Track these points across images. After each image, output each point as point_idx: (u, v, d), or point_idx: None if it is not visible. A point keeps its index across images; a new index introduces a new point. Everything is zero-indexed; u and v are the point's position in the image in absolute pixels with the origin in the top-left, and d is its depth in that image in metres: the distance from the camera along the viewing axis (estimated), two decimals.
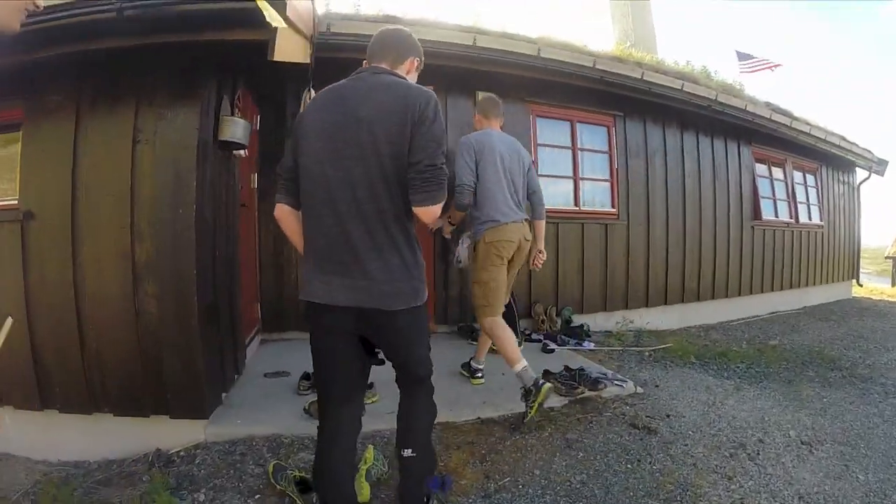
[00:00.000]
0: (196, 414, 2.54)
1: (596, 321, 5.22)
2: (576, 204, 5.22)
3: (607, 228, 5.35)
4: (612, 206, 5.42)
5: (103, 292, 2.47)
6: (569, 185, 5.26)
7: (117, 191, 2.45)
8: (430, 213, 1.47)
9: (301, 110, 2.00)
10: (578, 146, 5.29)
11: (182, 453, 2.41)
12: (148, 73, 2.50)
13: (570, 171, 5.25)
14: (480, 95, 3.90)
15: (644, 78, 5.13)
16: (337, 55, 3.69)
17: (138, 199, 2.46)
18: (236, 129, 2.84)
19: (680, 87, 5.39)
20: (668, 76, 5.44)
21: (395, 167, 1.44)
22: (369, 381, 1.97)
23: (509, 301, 3.42)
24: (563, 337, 4.58)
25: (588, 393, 3.10)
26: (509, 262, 2.95)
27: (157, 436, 2.50)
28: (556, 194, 5.15)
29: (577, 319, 5.06)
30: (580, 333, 4.71)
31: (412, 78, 1.66)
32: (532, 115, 5.07)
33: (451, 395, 2.97)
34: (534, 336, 4.62)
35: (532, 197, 3.12)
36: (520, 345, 3.17)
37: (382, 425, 2.47)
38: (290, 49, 2.66)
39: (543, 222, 3.17)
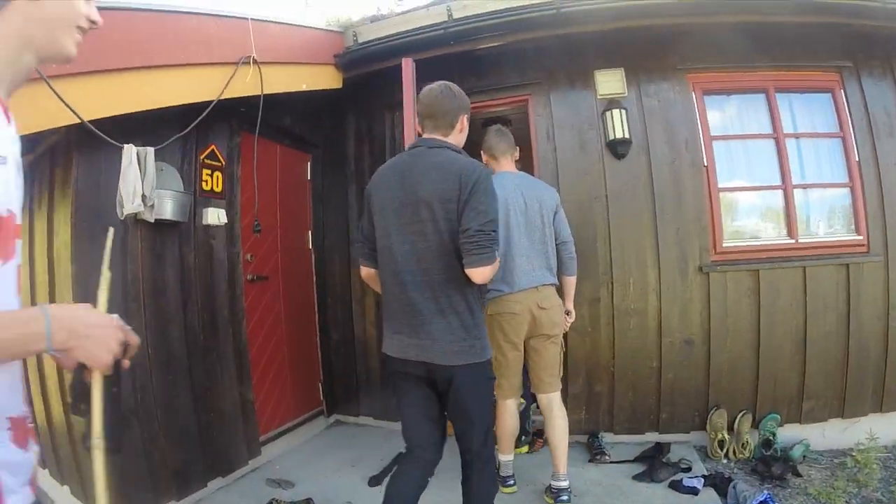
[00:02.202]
0: None
1: (825, 435, 2.96)
2: (789, 233, 3.01)
3: (849, 271, 2.97)
4: (857, 232, 3.05)
5: None
6: (772, 201, 3.09)
7: None
8: (482, 274, 1.55)
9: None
10: (784, 131, 3.08)
11: None
12: None
13: (772, 175, 3.06)
14: (489, 132, 2.55)
15: None
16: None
17: None
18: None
19: None
20: None
21: (452, 239, 1.57)
22: None
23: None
24: (758, 467, 2.54)
25: None
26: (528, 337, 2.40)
27: None
28: (749, 220, 3.04)
29: (788, 434, 2.89)
30: (787, 463, 2.60)
31: (464, 134, 1.78)
32: (695, 92, 3.04)
33: None
34: (696, 469, 2.56)
35: (561, 250, 2.47)
36: (530, 447, 3.04)
37: None
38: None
39: (573, 279, 2.53)
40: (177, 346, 2.44)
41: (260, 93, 2.64)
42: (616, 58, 3.05)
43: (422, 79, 3.33)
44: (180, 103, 2.29)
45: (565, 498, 2.31)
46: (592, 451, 2.89)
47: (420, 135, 1.77)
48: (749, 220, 3.09)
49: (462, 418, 1.68)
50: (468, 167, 1.59)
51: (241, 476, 2.77)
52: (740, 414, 2.92)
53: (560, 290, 2.48)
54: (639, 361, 2.98)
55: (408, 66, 2.67)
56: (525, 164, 2.90)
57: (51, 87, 1.71)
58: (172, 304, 2.44)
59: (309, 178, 3.69)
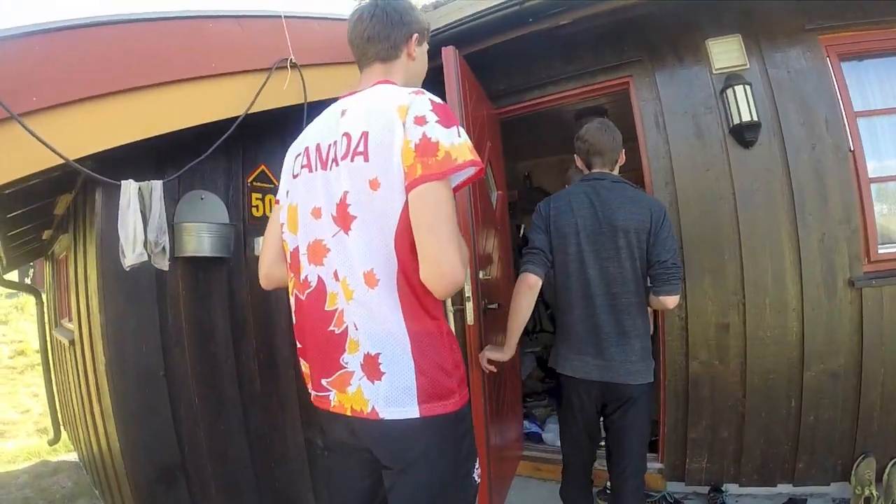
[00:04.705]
0: None
1: None
2: None
3: None
4: None
5: None
6: None
7: None
8: (675, 301, 1.73)
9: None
10: None
11: None
12: None
13: None
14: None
15: None
16: None
17: None
18: None
19: None
20: None
21: (642, 266, 1.72)
22: None
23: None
24: None
25: None
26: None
27: None
28: None
29: None
30: None
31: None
32: (830, 58, 2.44)
33: None
34: None
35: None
36: None
37: None
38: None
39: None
40: (229, 392, 2.19)
41: (303, 101, 2.08)
42: (730, 22, 2.44)
43: (500, 67, 2.72)
44: (194, 124, 1.85)
45: None
46: None
47: (589, 169, 1.89)
48: None
49: (628, 436, 1.75)
50: (656, 203, 1.82)
51: None
52: (891, 463, 2.35)
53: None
54: (774, 400, 2.39)
55: (449, 57, 2.06)
56: (631, 162, 2.29)
57: (22, 125, 1.42)
58: (222, 348, 2.18)
59: None
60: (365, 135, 0.97)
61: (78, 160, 1.57)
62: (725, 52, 2.40)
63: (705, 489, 2.48)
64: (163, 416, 1.94)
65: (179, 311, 2.05)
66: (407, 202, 0.93)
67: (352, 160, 0.98)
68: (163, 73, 1.77)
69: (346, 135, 1.01)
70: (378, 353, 0.96)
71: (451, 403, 0.99)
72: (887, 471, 2.32)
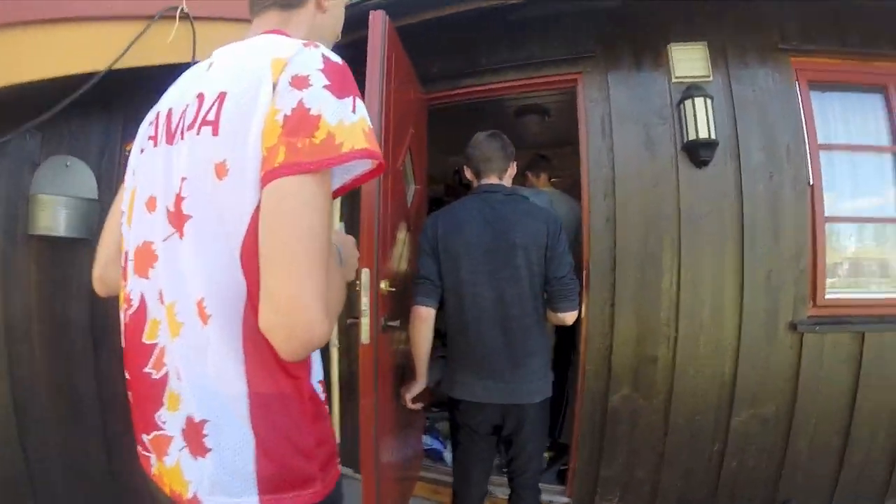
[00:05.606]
0: None
1: None
2: None
3: None
4: None
5: None
6: (882, 237, 2.35)
7: None
8: (574, 316, 1.70)
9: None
10: None
11: None
12: None
13: (887, 201, 2.32)
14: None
15: None
16: None
17: None
18: None
19: None
20: None
21: (540, 283, 1.66)
22: None
23: None
24: None
25: None
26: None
27: None
28: (854, 263, 2.30)
29: None
30: None
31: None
32: (800, 83, 2.24)
33: None
34: None
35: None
36: None
37: None
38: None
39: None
40: (86, 393, 1.93)
41: (191, 59, 1.74)
42: (698, 28, 2.22)
43: (437, 47, 2.43)
44: (55, 75, 1.54)
45: None
46: None
47: (478, 178, 1.80)
48: (854, 262, 2.34)
49: (527, 451, 1.75)
50: (551, 216, 1.73)
51: None
52: None
53: None
54: (698, 442, 2.21)
55: (377, 23, 1.73)
56: (568, 165, 2.06)
57: None
58: (79, 344, 1.91)
59: None
60: (221, 97, 0.68)
61: None
62: (688, 60, 2.18)
63: None
64: (3, 423, 1.68)
65: (30, 301, 1.77)
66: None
67: (198, 132, 0.69)
68: (19, 9, 1.46)
69: (200, 96, 0.71)
70: (204, 421, 0.67)
71: (309, 495, 0.69)
72: None
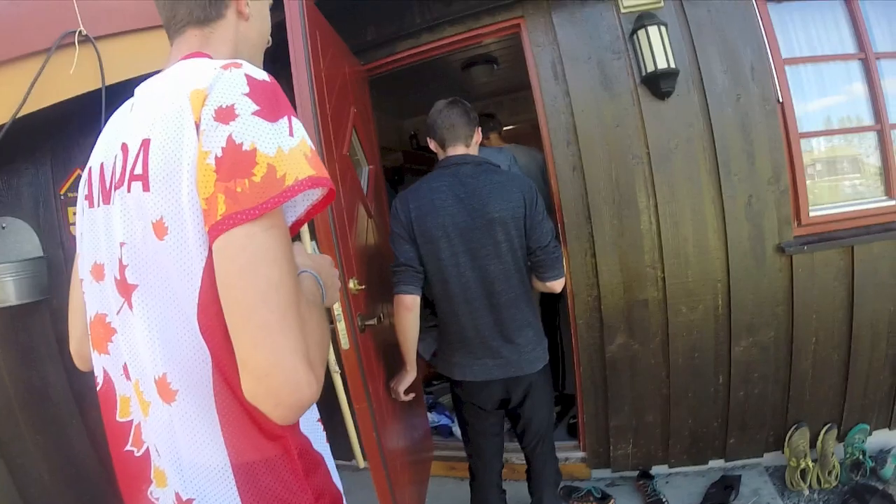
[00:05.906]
0: None
1: None
2: (888, 192, 2.21)
3: None
4: None
5: None
6: (866, 148, 2.27)
7: None
8: (562, 283, 1.66)
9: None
10: (874, 49, 2.23)
11: None
12: None
13: (863, 112, 2.24)
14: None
15: None
16: None
17: None
18: None
19: None
20: None
21: (523, 256, 1.62)
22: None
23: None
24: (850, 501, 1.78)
25: None
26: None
27: None
28: (834, 175, 2.24)
29: (877, 441, 2.24)
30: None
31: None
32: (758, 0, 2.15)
33: None
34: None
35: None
36: None
37: None
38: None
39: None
40: (82, 457, 1.85)
41: (101, 85, 1.60)
42: None
43: (367, 14, 2.32)
44: None
45: None
46: (646, 497, 2.16)
47: (444, 149, 1.70)
48: (834, 175, 2.27)
49: (537, 416, 1.74)
50: (525, 182, 1.66)
51: None
52: (824, 430, 2.21)
53: None
54: (701, 378, 2.19)
55: (292, 1, 1.59)
56: (526, 112, 1.98)
57: None
58: (64, 410, 1.84)
59: None
60: (145, 144, 0.61)
61: None
62: None
63: (633, 473, 2.31)
64: None
65: (2, 376, 1.72)
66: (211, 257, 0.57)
67: (128, 189, 0.62)
68: None
69: (124, 147, 0.65)
70: (191, 500, 0.63)
71: None
72: (820, 438, 2.21)
